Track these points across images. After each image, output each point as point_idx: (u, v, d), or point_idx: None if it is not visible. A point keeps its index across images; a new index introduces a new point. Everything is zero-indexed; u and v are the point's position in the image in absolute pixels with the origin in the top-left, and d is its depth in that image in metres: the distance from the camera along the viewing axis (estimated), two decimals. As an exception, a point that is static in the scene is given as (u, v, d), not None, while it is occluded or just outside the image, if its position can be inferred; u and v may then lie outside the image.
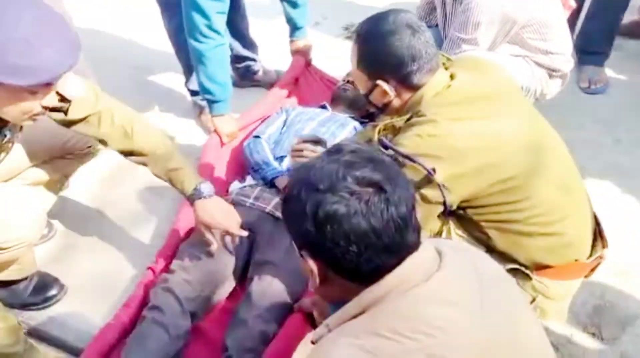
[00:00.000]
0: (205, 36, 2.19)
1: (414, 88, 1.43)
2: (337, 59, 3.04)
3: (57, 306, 1.87)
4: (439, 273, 0.92)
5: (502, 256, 1.47)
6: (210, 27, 2.17)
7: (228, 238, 1.83)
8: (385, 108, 1.50)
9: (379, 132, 1.50)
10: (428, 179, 1.35)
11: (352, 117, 2.39)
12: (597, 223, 1.57)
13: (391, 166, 0.95)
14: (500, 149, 1.37)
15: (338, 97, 2.49)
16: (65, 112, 1.59)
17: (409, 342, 0.85)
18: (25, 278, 1.82)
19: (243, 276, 1.89)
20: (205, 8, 2.12)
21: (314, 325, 1.68)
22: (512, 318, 0.96)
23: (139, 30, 3.34)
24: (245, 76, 2.92)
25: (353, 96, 2.45)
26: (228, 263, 1.84)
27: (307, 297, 1.74)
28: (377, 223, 0.89)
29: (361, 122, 2.38)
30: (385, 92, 1.45)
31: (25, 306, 1.83)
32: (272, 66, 2.98)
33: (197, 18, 2.15)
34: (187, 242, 1.89)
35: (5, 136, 1.50)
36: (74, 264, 2.01)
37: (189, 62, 2.40)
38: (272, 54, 3.01)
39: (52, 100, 1.36)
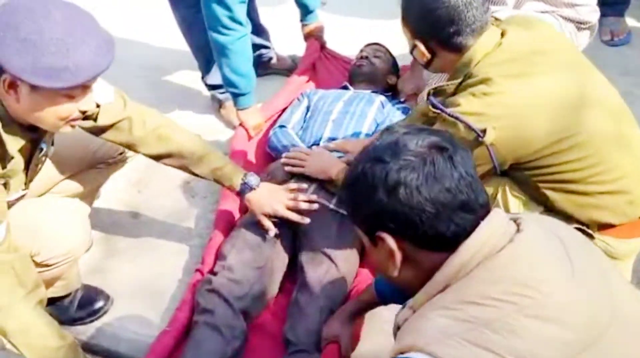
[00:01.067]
0: (227, 28, 2.11)
1: (458, 50, 1.40)
2: (348, 38, 2.97)
3: (105, 318, 1.82)
4: (521, 234, 0.89)
5: (563, 216, 1.41)
6: (232, 19, 2.10)
7: (271, 233, 1.79)
8: (427, 66, 1.49)
9: (428, 94, 1.46)
10: (477, 140, 1.32)
11: (376, 92, 2.34)
12: None
13: (443, 131, 0.98)
14: (556, 106, 1.32)
15: (356, 75, 2.45)
16: (95, 119, 1.54)
17: (505, 305, 0.82)
18: (69, 294, 1.78)
19: (289, 269, 1.85)
20: (226, 0, 2.05)
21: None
22: (604, 278, 0.92)
23: (147, 31, 3.26)
24: (260, 64, 2.85)
25: (370, 70, 2.41)
26: (272, 258, 1.80)
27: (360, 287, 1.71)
28: (448, 181, 0.88)
29: (386, 96, 2.33)
30: (422, 53, 1.44)
31: (73, 321, 1.78)
32: (286, 52, 2.91)
33: (218, 10, 2.07)
34: (227, 242, 1.84)
35: (42, 149, 1.45)
36: (115, 273, 1.97)
37: (208, 56, 2.34)
38: (284, 40, 2.94)
39: (89, 103, 1.31)
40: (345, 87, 2.43)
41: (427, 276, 0.92)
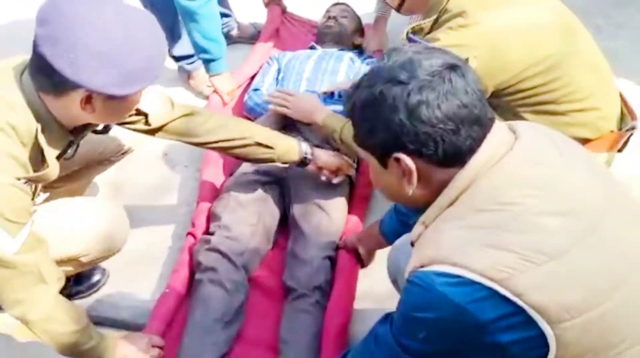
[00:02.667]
0: None
1: None
2: (306, 1, 2.99)
3: (103, 290, 1.83)
4: (520, 141, 0.95)
5: None
6: None
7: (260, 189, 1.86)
8: (400, 8, 1.53)
9: (407, 33, 1.51)
10: None
11: (343, 50, 2.38)
12: (622, 99, 1.63)
13: (448, 51, 0.98)
14: (532, 31, 1.40)
15: (324, 35, 2.48)
16: (147, 123, 1.55)
17: (513, 207, 0.88)
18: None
19: (280, 224, 1.90)
20: None
21: (360, 261, 1.74)
22: (593, 167, 1.00)
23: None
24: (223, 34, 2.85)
25: (338, 30, 2.45)
26: (264, 214, 1.84)
27: (349, 234, 1.79)
28: (464, 97, 0.91)
29: (353, 53, 2.38)
30: None
31: (71, 296, 1.79)
32: (247, 20, 2.92)
33: None
34: (218, 204, 1.88)
35: (67, 151, 1.41)
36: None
37: (172, 27, 2.33)
38: (244, 7, 2.94)
39: (144, 100, 1.34)
40: (312, 48, 2.46)
41: (438, 191, 0.96)
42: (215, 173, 2.08)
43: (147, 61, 1.18)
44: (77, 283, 1.80)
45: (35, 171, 1.27)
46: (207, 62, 2.30)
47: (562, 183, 0.92)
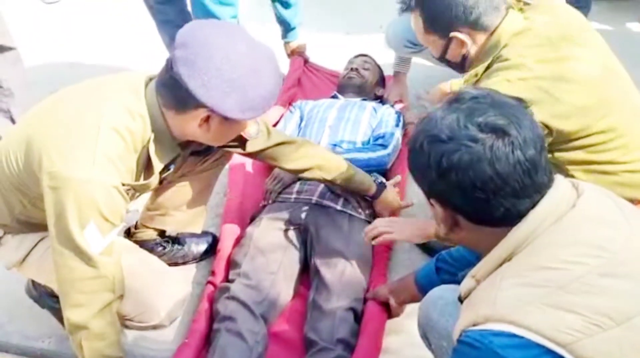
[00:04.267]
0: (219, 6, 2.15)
1: (487, 30, 1.45)
2: (327, 53, 3.04)
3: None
4: (582, 198, 0.92)
5: None
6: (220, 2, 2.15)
7: (281, 236, 1.83)
8: (463, 62, 1.51)
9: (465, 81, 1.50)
10: None
11: (365, 100, 2.39)
12: None
13: (516, 108, 0.93)
14: (590, 87, 1.39)
15: (346, 86, 2.49)
16: (243, 147, 1.64)
17: (577, 267, 0.84)
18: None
19: (302, 273, 1.85)
20: (219, 15, 2.09)
21: (389, 312, 1.68)
22: None
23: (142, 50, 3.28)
24: None
25: (359, 83, 2.47)
26: (285, 263, 1.80)
27: (379, 285, 1.73)
28: (503, 168, 0.87)
29: (376, 103, 2.39)
30: (461, 42, 1.47)
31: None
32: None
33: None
34: (238, 250, 1.85)
35: (169, 169, 1.49)
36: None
37: None
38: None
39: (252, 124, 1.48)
40: (334, 97, 2.48)
41: (482, 244, 0.94)
42: (235, 220, 2.05)
43: (267, 93, 1.30)
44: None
45: (137, 180, 1.38)
46: None
47: (628, 246, 0.88)
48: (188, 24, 1.32)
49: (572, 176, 1.47)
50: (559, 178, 0.95)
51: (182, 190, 1.81)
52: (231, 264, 1.82)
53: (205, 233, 2.04)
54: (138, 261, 1.54)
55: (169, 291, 1.57)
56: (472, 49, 1.48)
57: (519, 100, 0.96)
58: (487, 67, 1.44)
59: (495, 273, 0.91)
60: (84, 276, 1.31)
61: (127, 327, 1.54)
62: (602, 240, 0.87)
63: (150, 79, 1.36)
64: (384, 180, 1.93)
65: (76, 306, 1.33)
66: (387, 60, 2.73)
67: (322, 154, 1.80)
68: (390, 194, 1.92)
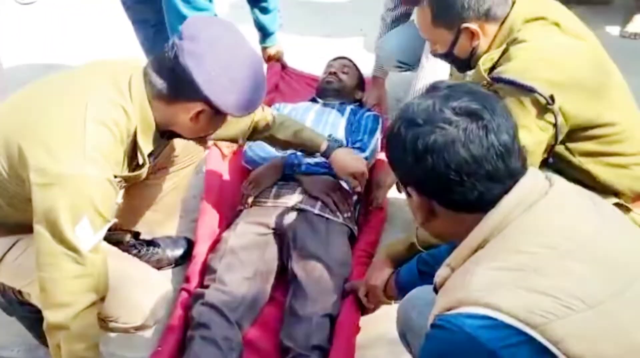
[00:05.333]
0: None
1: (498, 20, 1.43)
2: (306, 56, 3.03)
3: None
4: (554, 187, 0.93)
5: (602, 190, 1.47)
6: (194, 7, 2.07)
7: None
8: (472, 56, 1.48)
9: (484, 70, 1.43)
10: (544, 108, 1.34)
11: (343, 103, 2.38)
12: None
13: (489, 96, 0.96)
14: (604, 68, 1.42)
15: (324, 90, 2.47)
16: None
17: (549, 251, 0.85)
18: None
19: (279, 278, 1.83)
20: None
21: (363, 309, 1.68)
22: (630, 232, 0.97)
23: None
24: None
25: (338, 87, 2.45)
26: (261, 267, 1.79)
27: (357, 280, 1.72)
28: (477, 150, 0.89)
29: (354, 105, 2.39)
30: (472, 34, 1.44)
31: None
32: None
33: (179, 2, 2.05)
34: (213, 256, 1.82)
35: (149, 163, 1.45)
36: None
37: None
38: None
39: None
40: (313, 101, 2.46)
41: (457, 231, 0.95)
42: (210, 225, 2.02)
43: (258, 95, 1.38)
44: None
45: (130, 170, 1.38)
46: None
47: (599, 235, 0.89)
48: (193, 18, 1.37)
49: (586, 172, 1.48)
50: (532, 169, 0.96)
51: (154, 189, 1.79)
52: (206, 269, 1.80)
53: (181, 238, 2.02)
54: (119, 261, 1.49)
55: (152, 290, 1.52)
56: (482, 42, 1.44)
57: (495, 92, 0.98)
58: (504, 52, 1.41)
59: (469, 260, 0.91)
60: (71, 275, 1.27)
61: (110, 329, 1.50)
62: (573, 227, 0.88)
63: (134, 69, 1.35)
64: (343, 142, 1.93)
65: (59, 307, 1.29)
66: (367, 62, 2.72)
67: (267, 112, 1.83)
68: (347, 154, 1.88)
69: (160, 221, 1.89)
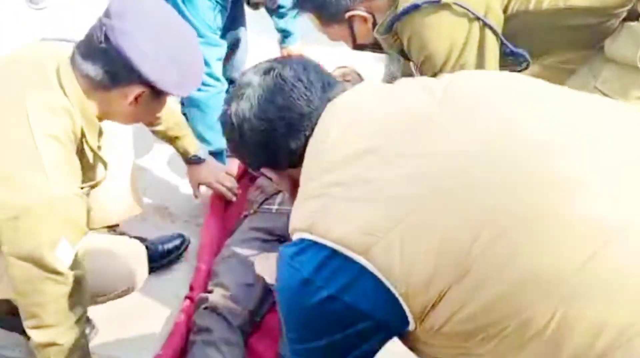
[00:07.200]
0: (205, 84, 2.03)
1: None
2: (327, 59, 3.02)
3: (90, 347, 1.72)
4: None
5: None
6: (210, 75, 2.04)
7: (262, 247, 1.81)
8: (373, 27, 1.45)
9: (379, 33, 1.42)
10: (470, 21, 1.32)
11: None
12: None
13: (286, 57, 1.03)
14: None
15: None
16: None
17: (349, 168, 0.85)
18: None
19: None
20: (205, 55, 2.00)
21: None
22: None
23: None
24: None
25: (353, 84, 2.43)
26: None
27: None
28: (280, 98, 0.92)
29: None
30: (363, 18, 1.43)
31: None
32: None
33: None
34: (218, 261, 1.83)
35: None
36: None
37: None
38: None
39: None
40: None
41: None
42: (214, 231, 2.03)
43: (198, 70, 1.29)
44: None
45: (83, 174, 1.27)
46: (210, 154, 2.19)
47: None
48: None
49: None
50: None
51: None
52: (210, 274, 1.80)
53: (175, 235, 2.01)
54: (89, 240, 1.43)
55: (128, 252, 1.52)
56: (378, 18, 1.41)
57: None
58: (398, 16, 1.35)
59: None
60: (55, 297, 1.22)
61: (100, 302, 1.50)
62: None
63: (58, 59, 1.22)
64: (204, 155, 1.97)
65: (46, 328, 1.24)
66: (373, 73, 2.72)
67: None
68: (203, 170, 1.96)
69: (119, 203, 1.76)
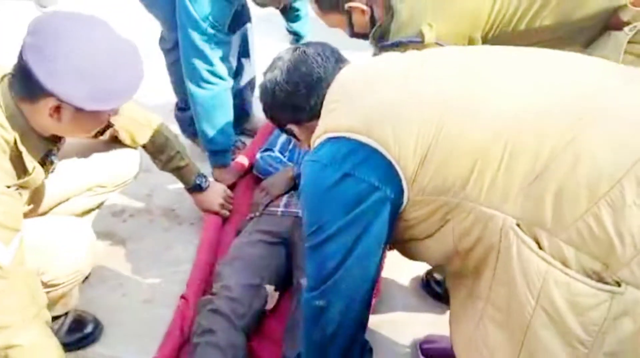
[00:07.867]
0: (208, 82, 2.01)
1: None
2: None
3: (95, 346, 1.74)
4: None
5: None
6: (213, 73, 2.01)
7: (267, 249, 1.82)
8: (373, 26, 1.50)
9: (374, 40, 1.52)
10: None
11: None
12: None
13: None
14: None
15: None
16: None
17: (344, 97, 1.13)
18: (59, 317, 1.70)
19: (286, 287, 1.85)
20: (207, 54, 1.95)
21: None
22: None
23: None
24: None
25: None
26: (269, 276, 1.79)
27: None
28: (304, 66, 1.22)
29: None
30: (361, 9, 1.47)
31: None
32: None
33: (199, 64, 1.98)
34: (222, 262, 1.83)
35: (52, 162, 1.43)
36: (104, 301, 1.90)
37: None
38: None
39: (117, 117, 1.46)
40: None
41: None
42: (213, 234, 2.06)
43: (122, 85, 1.27)
44: (68, 332, 1.71)
45: (20, 178, 1.30)
46: (212, 153, 2.21)
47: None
48: (43, 14, 1.26)
49: None
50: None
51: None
52: (215, 276, 1.80)
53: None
54: (32, 227, 1.44)
55: (73, 237, 1.52)
56: (376, 12, 1.45)
57: None
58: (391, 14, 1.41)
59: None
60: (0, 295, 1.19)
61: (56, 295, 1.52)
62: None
63: (3, 77, 1.28)
64: (205, 183, 2.03)
65: (1, 330, 1.20)
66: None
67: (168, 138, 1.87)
68: (206, 196, 2.07)
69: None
